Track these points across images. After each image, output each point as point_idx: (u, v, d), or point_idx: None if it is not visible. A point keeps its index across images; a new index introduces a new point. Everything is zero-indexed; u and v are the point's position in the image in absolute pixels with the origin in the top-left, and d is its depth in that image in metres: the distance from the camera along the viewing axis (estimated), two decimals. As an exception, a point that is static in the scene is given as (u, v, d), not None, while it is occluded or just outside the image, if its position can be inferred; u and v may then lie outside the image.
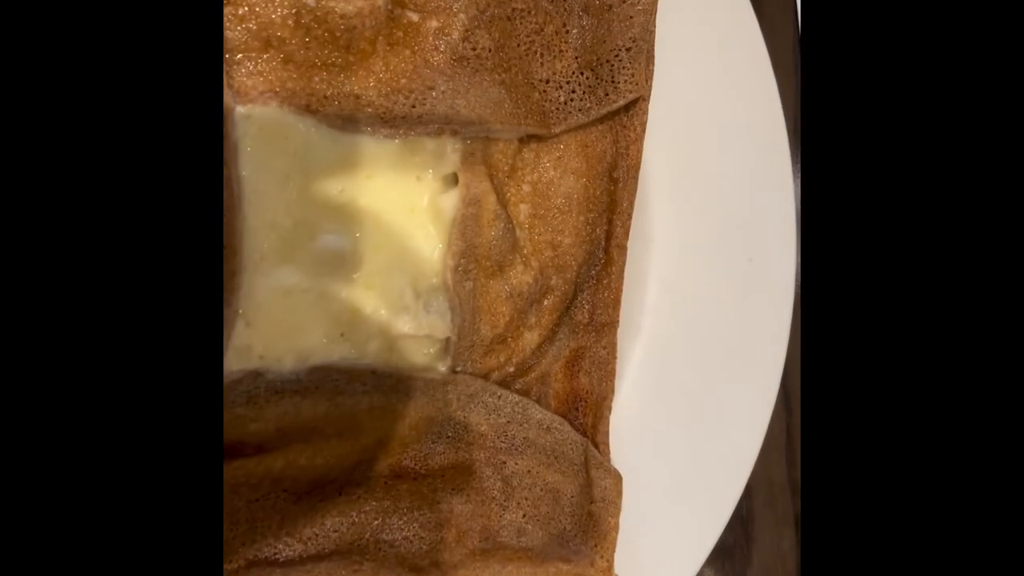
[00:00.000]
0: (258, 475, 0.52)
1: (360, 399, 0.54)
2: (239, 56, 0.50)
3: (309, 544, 0.53)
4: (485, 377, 0.58)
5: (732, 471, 0.61)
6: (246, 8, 0.50)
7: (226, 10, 0.50)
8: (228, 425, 0.51)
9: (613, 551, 0.57)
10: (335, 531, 0.54)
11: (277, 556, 0.53)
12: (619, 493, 0.59)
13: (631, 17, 0.58)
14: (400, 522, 0.55)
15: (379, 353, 0.54)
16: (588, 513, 0.58)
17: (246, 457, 0.52)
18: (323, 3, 0.51)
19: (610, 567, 0.57)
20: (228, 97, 0.49)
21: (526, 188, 0.58)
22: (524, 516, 0.58)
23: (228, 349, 0.49)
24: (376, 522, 0.55)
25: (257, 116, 0.50)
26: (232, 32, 0.50)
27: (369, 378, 0.54)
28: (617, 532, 0.58)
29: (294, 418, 0.52)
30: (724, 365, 0.62)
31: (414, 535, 0.55)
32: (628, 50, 0.58)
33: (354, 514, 0.54)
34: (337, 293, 0.53)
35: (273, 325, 0.51)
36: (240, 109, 0.50)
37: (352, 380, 0.53)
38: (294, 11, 0.50)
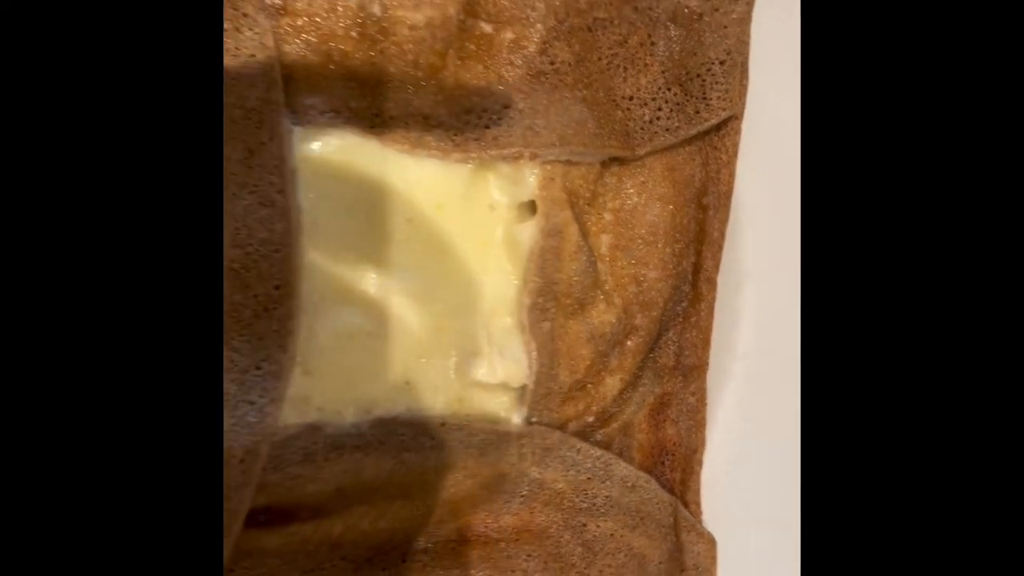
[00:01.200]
0: (315, 542, 0.47)
1: (427, 455, 0.48)
2: (296, 72, 0.45)
3: (371, 620, 0.47)
4: (562, 428, 0.53)
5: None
6: (305, 19, 0.45)
7: (283, 21, 0.45)
8: (283, 487, 0.45)
9: (710, 626, 0.51)
10: (400, 605, 0.48)
11: (336, 635, 0.47)
12: (714, 560, 0.53)
13: (725, 27, 0.53)
14: (472, 593, 0.49)
15: (448, 403, 0.49)
16: (680, 582, 0.52)
17: (302, 522, 0.47)
18: (391, 13, 0.46)
19: (706, 645, 0.51)
20: (285, 118, 0.44)
21: (607, 216, 0.53)
22: (607, 585, 0.51)
23: (284, 400, 0.43)
24: (445, 594, 0.49)
25: (317, 139, 0.45)
26: (290, 46, 0.44)
27: (437, 431, 0.48)
28: (714, 604, 0.51)
29: (355, 477, 0.47)
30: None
31: (487, 608, 0.49)
32: (722, 63, 0.53)
33: (422, 585, 0.48)
34: (403, 337, 0.47)
35: (334, 373, 0.46)
36: (298, 131, 0.45)
37: (419, 434, 0.48)
38: (359, 21, 0.45)
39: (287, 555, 0.47)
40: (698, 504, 0.54)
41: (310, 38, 0.45)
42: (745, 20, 0.53)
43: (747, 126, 0.55)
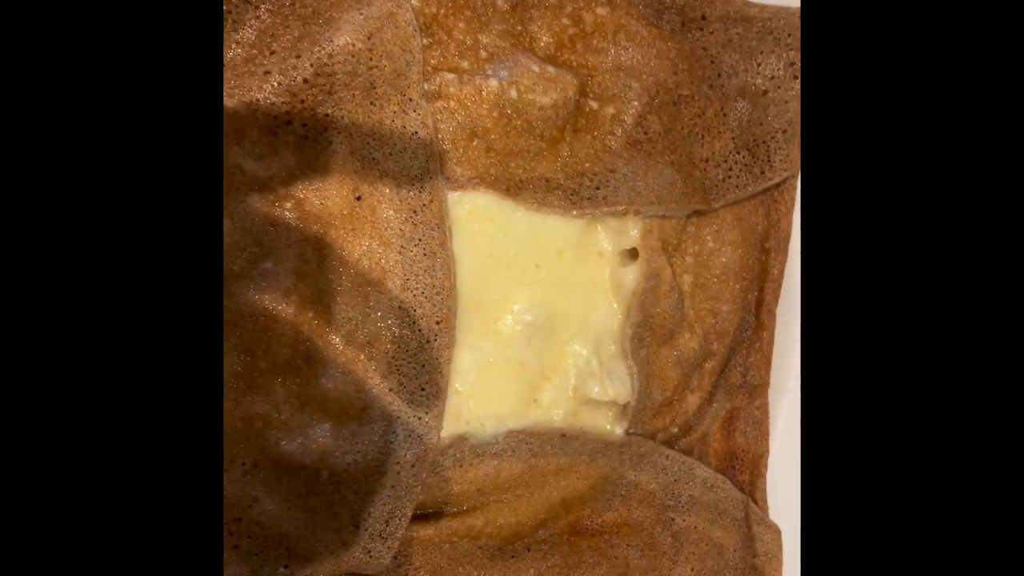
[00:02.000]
0: (460, 533, 0.56)
1: (549, 460, 0.58)
2: (449, 147, 0.54)
3: (503, 599, 0.57)
4: (652, 438, 0.62)
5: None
6: (455, 102, 0.55)
7: (437, 104, 0.54)
8: (436, 487, 0.55)
9: (779, 603, 0.61)
10: (525, 586, 0.57)
11: (477, 611, 0.56)
12: (780, 547, 0.63)
13: (786, 102, 0.63)
14: (583, 576, 0.59)
15: (565, 417, 0.58)
16: (752, 567, 0.62)
17: (450, 517, 0.56)
18: (524, 96, 0.55)
19: (777, 618, 0.60)
20: (442, 183, 0.54)
21: (689, 259, 0.63)
22: (692, 570, 0.61)
23: (444, 416, 0.53)
24: (562, 576, 0.58)
25: (466, 201, 0.55)
26: (445, 125, 0.54)
27: (558, 441, 0.58)
28: (782, 585, 0.61)
29: (493, 480, 0.56)
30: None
31: (596, 589, 0.59)
32: (784, 132, 0.63)
33: (544, 568, 0.58)
34: (532, 362, 0.57)
35: (477, 393, 0.55)
36: (452, 195, 0.54)
37: (544, 443, 0.57)
38: (499, 103, 0.55)
39: (436, 544, 0.56)
40: (765, 501, 0.64)
41: (460, 119, 0.55)
42: (799, 96, 0.63)
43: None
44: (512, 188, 0.56)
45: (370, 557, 0.52)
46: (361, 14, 0.51)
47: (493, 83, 0.55)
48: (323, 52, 0.50)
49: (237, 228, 0.50)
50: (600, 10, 0.59)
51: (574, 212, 0.57)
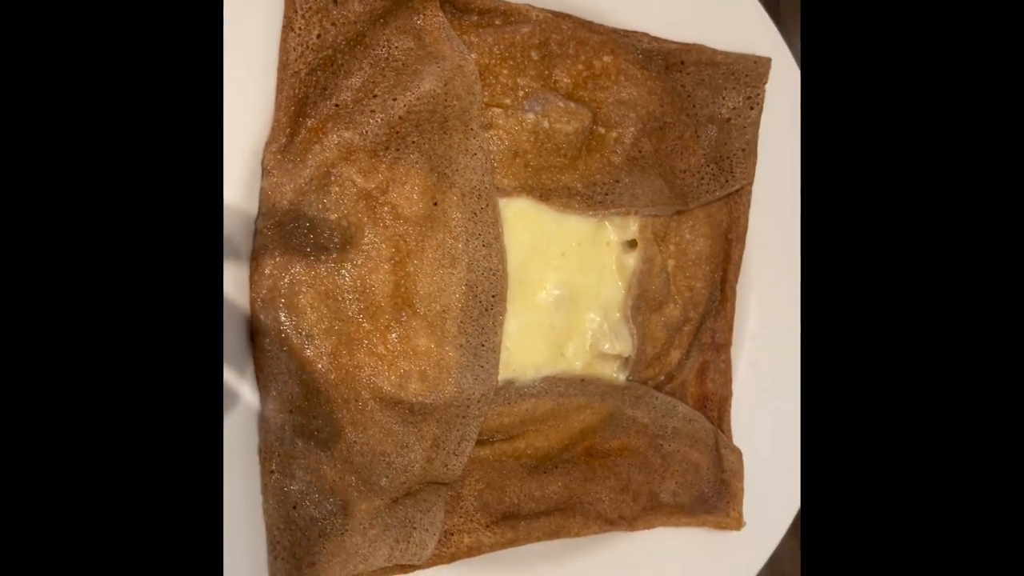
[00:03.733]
0: (508, 454, 0.74)
1: (572, 399, 0.76)
2: (498, 164, 0.72)
3: (539, 503, 0.75)
4: (645, 384, 0.81)
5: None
6: (503, 131, 0.72)
7: (489, 132, 0.72)
8: (491, 419, 0.72)
9: (741, 505, 0.81)
10: (555, 494, 0.76)
11: (520, 511, 0.75)
12: (742, 465, 0.82)
13: (744, 127, 0.82)
14: (596, 487, 0.78)
15: (583, 367, 0.77)
16: (721, 480, 0.82)
17: (500, 441, 0.74)
18: (554, 125, 0.73)
19: (740, 516, 0.80)
20: (494, 192, 0.71)
21: (672, 247, 0.82)
22: (677, 483, 0.81)
23: (499, 365, 0.71)
24: (581, 487, 0.77)
25: (512, 205, 0.72)
26: (495, 147, 0.72)
27: (579, 385, 0.76)
28: (743, 493, 0.81)
29: (531, 413, 0.74)
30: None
31: (606, 496, 0.78)
32: (743, 151, 0.82)
33: (568, 480, 0.76)
34: (559, 325, 0.75)
35: (520, 348, 0.73)
36: (501, 200, 0.72)
37: (569, 386, 0.76)
38: (534, 132, 0.73)
39: (490, 462, 0.74)
40: (729, 431, 0.83)
41: (505, 143, 0.73)
42: (757, 123, 0.82)
43: (756, 187, 0.85)
44: (544, 195, 0.74)
45: (447, 469, 0.70)
46: (439, 66, 0.68)
47: (530, 116, 0.73)
48: (413, 96, 0.67)
49: (350, 226, 0.67)
50: (606, 58, 0.77)
51: (590, 213, 0.76)
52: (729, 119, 0.81)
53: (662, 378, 0.82)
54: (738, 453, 0.82)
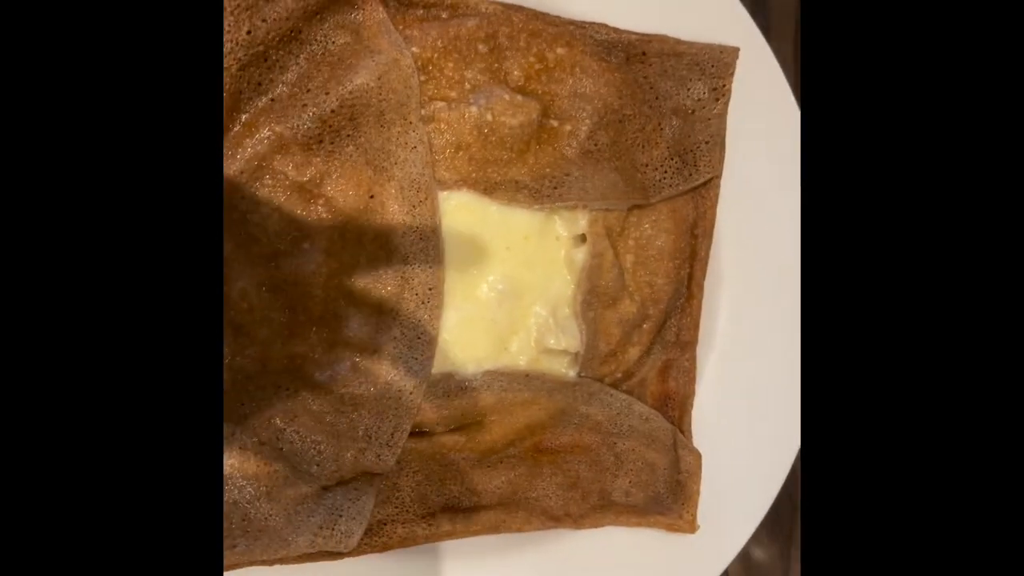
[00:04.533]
0: (448, 446, 0.75)
1: (517, 394, 0.75)
2: (440, 157, 0.72)
3: (481, 496, 0.75)
4: (601, 380, 0.80)
5: (782, 453, 0.82)
6: (445, 124, 0.72)
7: (431, 126, 0.72)
8: (429, 411, 0.73)
9: (696, 508, 0.78)
10: (498, 488, 0.76)
11: (460, 504, 0.75)
12: (699, 467, 0.80)
13: (709, 119, 0.79)
14: (543, 483, 0.77)
15: (529, 362, 0.76)
16: (677, 481, 0.80)
17: (440, 434, 0.75)
18: (498, 118, 0.73)
19: (694, 520, 0.78)
20: (434, 186, 0.72)
21: (631, 243, 0.80)
22: (630, 482, 0.79)
23: (436, 357, 0.71)
24: (526, 483, 0.76)
25: (453, 198, 0.72)
26: (437, 141, 0.72)
27: (523, 380, 0.76)
28: (699, 495, 0.79)
29: (472, 407, 0.74)
30: (775, 373, 0.83)
31: (552, 493, 0.77)
32: (707, 143, 0.79)
33: (512, 476, 0.76)
34: (503, 319, 0.75)
35: (460, 341, 0.73)
36: (442, 194, 0.72)
37: (512, 381, 0.75)
38: (478, 125, 0.73)
39: (430, 454, 0.75)
40: (690, 432, 0.81)
41: (449, 138, 0.73)
42: (722, 115, 0.79)
43: (725, 180, 0.82)
44: (488, 188, 0.74)
45: (379, 460, 0.71)
46: (373, 60, 0.69)
47: (473, 109, 0.73)
48: (345, 90, 0.68)
49: (283, 219, 0.68)
50: (560, 50, 0.76)
51: (536, 206, 0.75)
52: (693, 111, 0.79)
53: (619, 375, 0.80)
54: (697, 455, 0.80)
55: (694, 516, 0.78)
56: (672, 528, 0.78)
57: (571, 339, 0.76)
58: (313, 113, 0.68)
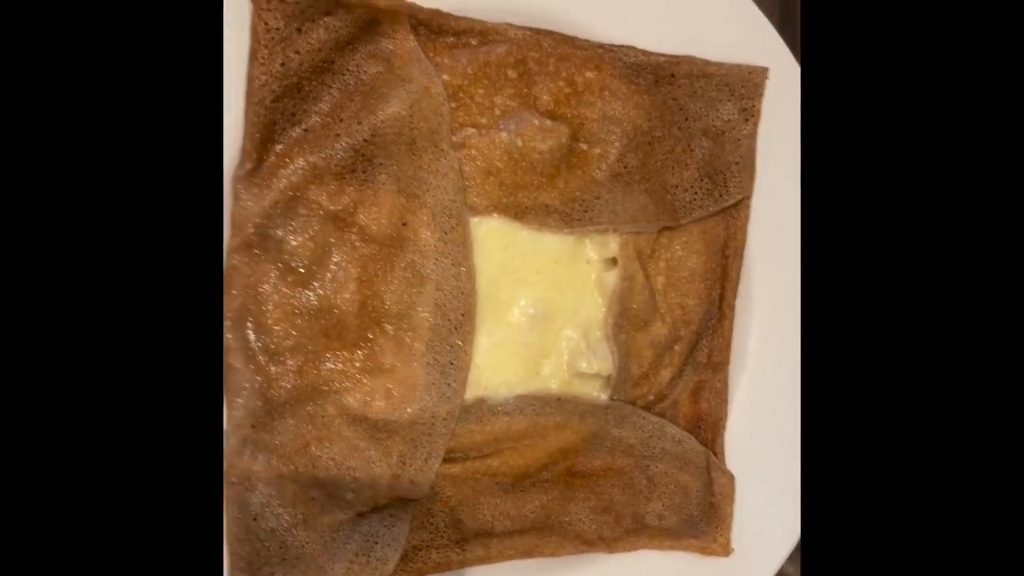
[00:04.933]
0: (481, 471, 0.75)
1: (549, 418, 0.75)
2: (471, 183, 0.73)
3: (514, 521, 0.75)
4: (633, 403, 0.80)
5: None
6: (475, 150, 0.73)
7: (462, 152, 0.72)
8: (462, 437, 0.73)
9: (729, 531, 0.78)
10: (531, 513, 0.76)
11: (493, 529, 0.75)
12: (733, 489, 0.80)
13: (739, 140, 0.79)
14: (576, 507, 0.77)
15: (561, 386, 0.76)
16: (710, 504, 0.79)
17: (473, 459, 0.75)
18: (527, 143, 0.73)
19: (728, 543, 0.78)
20: (465, 211, 0.72)
21: (662, 264, 0.80)
22: (663, 505, 0.79)
23: (467, 383, 0.72)
24: (559, 507, 0.77)
25: (484, 224, 0.73)
26: (467, 167, 0.72)
27: (555, 403, 0.76)
28: (732, 518, 0.78)
29: (505, 431, 0.74)
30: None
31: (586, 517, 0.77)
32: (737, 164, 0.79)
33: (545, 500, 0.76)
34: (534, 343, 0.75)
35: (492, 366, 0.73)
36: (473, 219, 0.72)
37: (544, 405, 0.75)
38: (508, 150, 0.73)
39: (463, 479, 0.75)
40: (722, 453, 0.81)
41: (479, 163, 0.73)
42: (753, 135, 0.79)
43: (755, 200, 0.82)
44: (519, 213, 0.74)
45: (414, 486, 0.71)
46: (405, 89, 0.69)
47: (504, 135, 0.73)
48: (377, 119, 0.69)
49: (318, 247, 0.69)
50: (589, 73, 0.76)
51: (566, 230, 0.75)
52: (723, 132, 0.79)
53: (651, 397, 0.80)
54: (730, 476, 0.79)
55: (728, 539, 0.78)
56: (706, 551, 0.78)
57: (603, 362, 0.76)
58: (346, 143, 0.69)
